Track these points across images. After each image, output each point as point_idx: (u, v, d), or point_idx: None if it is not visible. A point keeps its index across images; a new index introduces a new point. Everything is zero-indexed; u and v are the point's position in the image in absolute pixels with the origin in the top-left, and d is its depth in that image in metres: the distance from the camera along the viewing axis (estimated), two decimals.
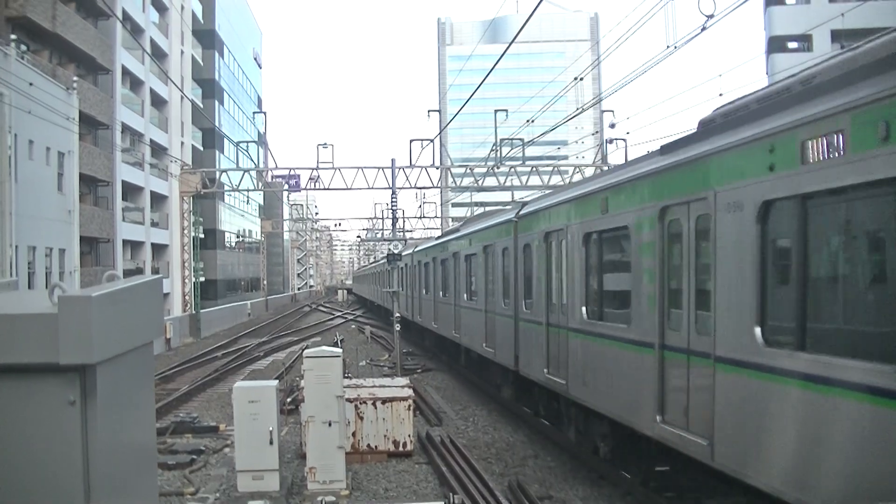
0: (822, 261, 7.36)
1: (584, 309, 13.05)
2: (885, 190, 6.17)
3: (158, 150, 62.26)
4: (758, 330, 7.77)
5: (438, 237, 34.55)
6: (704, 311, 8.93)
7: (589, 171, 44.79)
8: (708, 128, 9.75)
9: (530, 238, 16.27)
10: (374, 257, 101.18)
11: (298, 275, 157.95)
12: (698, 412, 9.00)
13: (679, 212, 9.59)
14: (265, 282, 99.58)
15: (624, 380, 11.33)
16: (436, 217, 79.90)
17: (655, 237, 10.13)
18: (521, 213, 17.34)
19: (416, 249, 35.73)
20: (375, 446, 15.49)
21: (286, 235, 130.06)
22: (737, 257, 8.18)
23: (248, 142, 58.96)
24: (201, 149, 76.57)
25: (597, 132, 59.03)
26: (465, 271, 23.65)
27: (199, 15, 78.81)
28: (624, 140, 42.18)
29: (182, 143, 68.62)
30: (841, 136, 6.57)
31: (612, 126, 39.31)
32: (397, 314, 30.27)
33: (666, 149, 10.34)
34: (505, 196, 55.47)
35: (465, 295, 23.50)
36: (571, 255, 13.62)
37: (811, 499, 6.96)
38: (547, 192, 20.29)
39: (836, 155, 6.63)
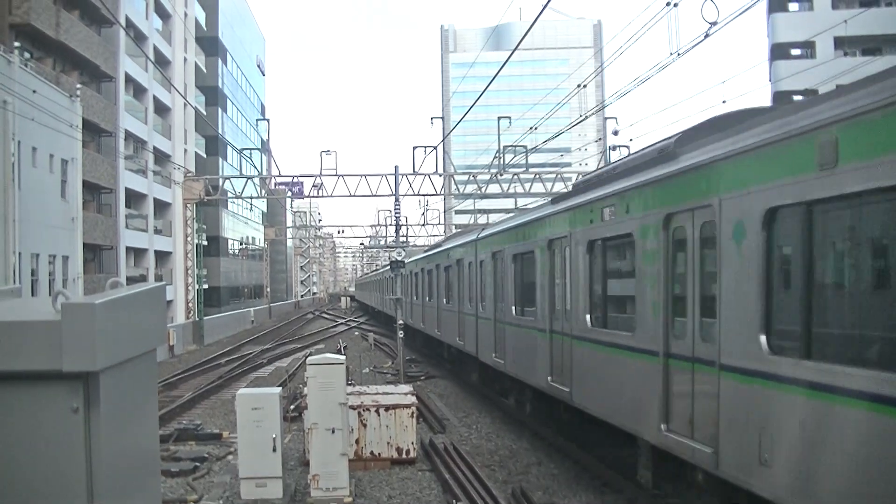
0: (611, 276, 12.54)
1: (513, 308, 18.24)
2: (627, 238, 11.25)
3: (162, 158, 62.39)
4: (588, 316, 12.97)
5: (426, 251, 36.93)
6: (568, 306, 14.14)
7: None
8: (575, 190, 15.84)
9: (484, 255, 21.51)
10: (378, 264, 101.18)
11: (302, 282, 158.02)
12: (566, 370, 14.04)
13: (557, 244, 14.83)
14: (268, 289, 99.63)
15: (534, 356, 16.29)
16: (439, 224, 79.85)
17: (547, 259, 15.28)
18: (480, 235, 22.57)
19: (408, 261, 36.48)
20: (379, 453, 15.47)
21: (289, 242, 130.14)
22: (579, 273, 13.37)
23: (251, 149, 59.26)
24: (204, 156, 76.74)
25: (600, 139, 59.09)
26: (445, 280, 28.39)
27: (203, 22, 79.02)
28: (627, 147, 42.16)
29: (185, 150, 68.78)
30: (614, 208, 11.76)
31: (616, 133, 39.31)
32: (400, 321, 30.23)
33: (554, 200, 15.91)
34: (508, 203, 55.45)
35: (445, 299, 28.34)
36: (507, 269, 18.81)
37: (622, 420, 11.55)
38: (499, 221, 24.41)
39: (615, 218, 11.75)
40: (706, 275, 9.01)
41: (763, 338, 7.70)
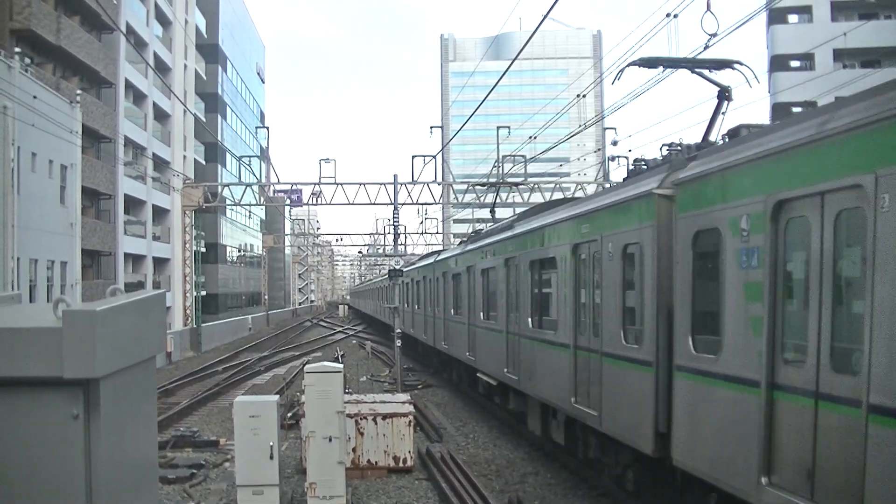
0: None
1: (486, 314, 21.13)
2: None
3: (161, 164, 62.38)
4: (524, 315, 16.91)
5: (411, 265, 39.74)
6: (520, 311, 17.39)
7: (591, 189, 44.85)
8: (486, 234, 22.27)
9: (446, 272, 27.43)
10: (378, 272, 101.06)
11: (300, 290, 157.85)
12: (514, 359, 17.49)
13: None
14: (266, 296, 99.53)
15: (492, 347, 19.51)
16: (437, 233, 79.82)
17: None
18: (438, 259, 29.31)
19: (407, 269, 37.16)
20: (376, 462, 15.47)
21: (288, 250, 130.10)
22: (508, 284, 17.34)
23: (250, 156, 59.30)
24: (203, 163, 76.69)
25: (599, 149, 59.12)
26: (425, 290, 32.80)
27: (203, 29, 79.05)
28: (626, 157, 42.20)
29: (184, 156, 68.76)
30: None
31: (615, 143, 39.39)
32: (398, 329, 30.23)
33: (475, 235, 22.79)
34: (506, 213, 55.32)
35: (420, 306, 33.36)
36: (473, 283, 22.18)
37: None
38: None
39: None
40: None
41: None
